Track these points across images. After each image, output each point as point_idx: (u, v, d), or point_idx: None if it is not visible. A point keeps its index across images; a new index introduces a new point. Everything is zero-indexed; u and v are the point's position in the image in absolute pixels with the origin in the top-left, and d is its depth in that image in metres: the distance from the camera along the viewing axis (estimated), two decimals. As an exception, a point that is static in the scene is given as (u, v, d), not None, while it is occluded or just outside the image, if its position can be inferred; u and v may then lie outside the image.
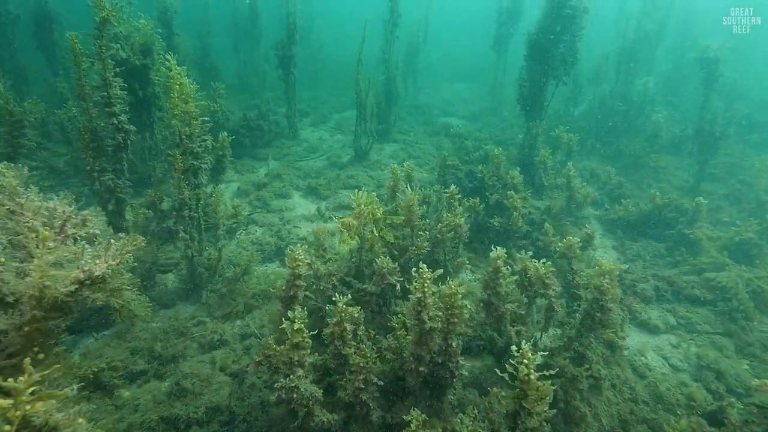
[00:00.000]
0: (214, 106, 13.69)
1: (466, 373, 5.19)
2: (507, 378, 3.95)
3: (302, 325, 4.54)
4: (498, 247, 5.41)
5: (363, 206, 6.09)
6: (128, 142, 6.59)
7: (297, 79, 15.82)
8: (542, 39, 11.78)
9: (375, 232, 6.22)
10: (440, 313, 4.82)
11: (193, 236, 7.34)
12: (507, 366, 3.96)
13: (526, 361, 3.80)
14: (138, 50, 9.79)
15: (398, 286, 6.43)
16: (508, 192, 8.82)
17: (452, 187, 7.48)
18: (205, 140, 6.95)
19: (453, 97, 23.50)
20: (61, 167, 10.80)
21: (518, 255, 5.92)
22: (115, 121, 6.34)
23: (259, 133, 14.83)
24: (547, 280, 5.62)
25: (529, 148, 11.93)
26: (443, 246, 7.26)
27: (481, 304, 5.86)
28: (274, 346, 4.65)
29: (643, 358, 7.01)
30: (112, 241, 3.25)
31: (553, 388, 3.96)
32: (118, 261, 3.13)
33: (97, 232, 3.35)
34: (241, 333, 6.89)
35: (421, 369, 4.98)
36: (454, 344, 4.88)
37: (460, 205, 7.57)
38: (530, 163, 11.84)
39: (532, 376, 3.81)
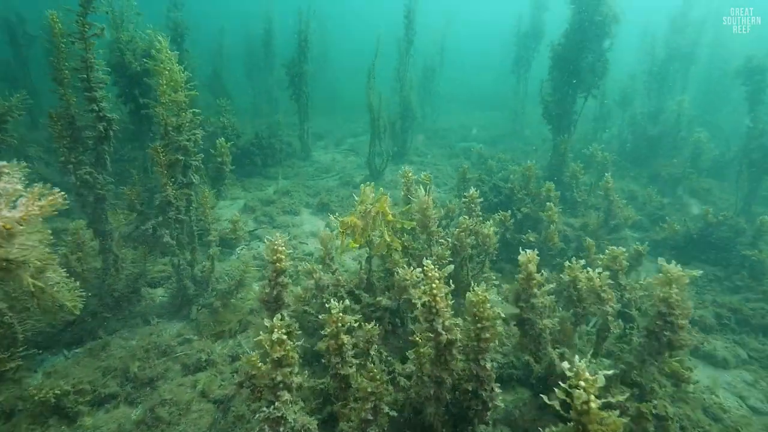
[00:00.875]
0: (225, 122, 13.24)
1: (502, 405, 4.10)
2: (557, 407, 2.86)
3: (285, 336, 3.57)
4: (527, 250, 4.42)
5: (369, 203, 5.18)
6: (110, 132, 5.90)
7: (310, 99, 15.39)
8: (569, 49, 11.09)
9: (386, 236, 5.27)
10: (468, 326, 3.82)
11: (182, 243, 6.51)
12: (556, 392, 2.89)
13: (583, 383, 2.71)
14: (140, 55, 9.37)
15: (419, 303, 5.44)
16: (547, 203, 7.84)
17: (471, 190, 6.55)
18: (195, 134, 6.24)
19: (471, 122, 22.88)
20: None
21: (567, 263, 4.91)
22: (96, 108, 5.67)
23: (270, 152, 14.27)
24: (603, 294, 4.56)
25: (557, 164, 11.00)
26: (464, 258, 6.25)
27: (512, 324, 4.81)
28: (260, 364, 3.68)
29: (714, 396, 5.76)
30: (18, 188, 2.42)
31: (625, 421, 2.86)
32: (23, 214, 2.30)
33: (17, 186, 2.54)
34: (231, 353, 5.90)
35: (442, 396, 3.92)
36: (487, 366, 3.83)
37: (481, 210, 6.61)
38: (559, 179, 10.88)
39: (592, 404, 2.72)
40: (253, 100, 21.20)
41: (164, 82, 5.80)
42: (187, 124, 6.16)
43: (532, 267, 4.26)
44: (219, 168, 9.16)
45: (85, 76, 5.65)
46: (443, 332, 3.72)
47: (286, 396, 3.52)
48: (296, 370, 3.68)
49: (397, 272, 5.35)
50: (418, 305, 3.81)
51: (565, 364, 2.74)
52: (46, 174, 11.63)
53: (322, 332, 4.01)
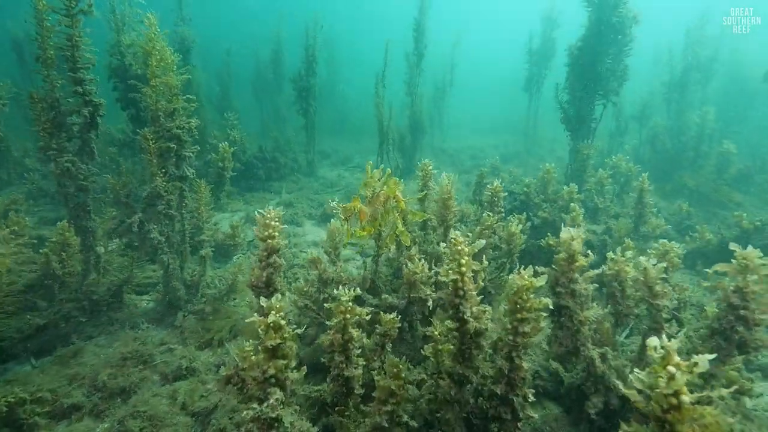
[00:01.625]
0: (231, 136, 12.90)
1: (536, 416, 3.34)
2: (637, 397, 2.11)
3: (281, 320, 2.90)
4: (571, 228, 3.73)
5: (377, 185, 4.53)
6: (97, 118, 5.42)
7: (317, 115, 15.09)
8: (586, 52, 10.65)
9: (398, 224, 4.62)
10: (504, 317, 3.12)
11: (172, 241, 5.91)
12: (632, 379, 2.16)
13: (674, 368, 1.98)
14: (141, 60, 9.07)
15: (430, 302, 4.73)
16: (571, 204, 7.15)
17: (496, 182, 5.92)
18: (189, 122, 5.75)
19: (483, 144, 22.44)
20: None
21: (610, 255, 4.21)
22: (81, 90, 5.21)
23: (274, 165, 13.83)
24: (657, 287, 3.83)
25: (578, 170, 10.35)
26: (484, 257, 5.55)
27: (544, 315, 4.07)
28: (252, 355, 2.99)
29: (781, 415, 4.87)
30: None
31: (731, 421, 2.11)
32: None
33: None
34: (218, 361, 5.18)
35: (463, 399, 3.18)
36: (525, 366, 3.10)
37: (503, 202, 5.96)
38: (579, 187, 10.20)
39: (685, 398, 1.99)
40: (261, 121, 21.02)
41: (154, 62, 5.36)
42: (180, 111, 5.69)
43: (577, 246, 3.56)
44: (220, 174, 8.69)
45: (71, 54, 5.22)
46: (471, 319, 3.03)
47: (278, 395, 2.81)
48: (293, 364, 2.99)
49: (407, 265, 4.68)
50: (445, 284, 3.12)
51: (652, 341, 2.02)
52: (43, 185, 11.27)
53: (328, 323, 3.35)
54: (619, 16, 10.15)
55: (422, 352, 3.48)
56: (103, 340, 5.61)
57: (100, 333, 5.72)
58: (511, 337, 3.11)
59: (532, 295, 3.02)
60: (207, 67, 16.14)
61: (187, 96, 5.79)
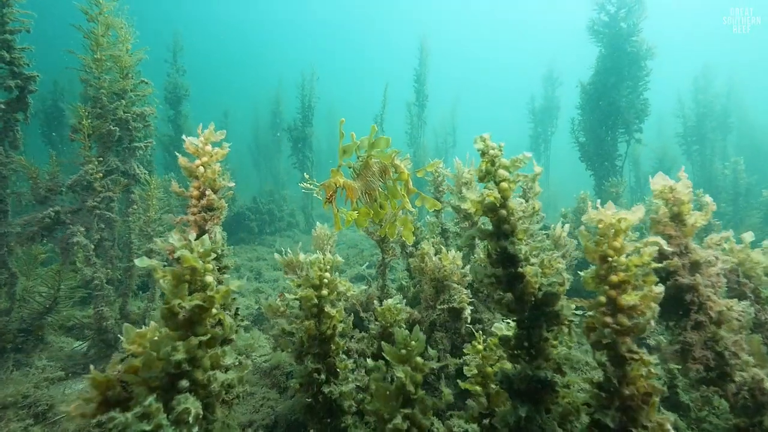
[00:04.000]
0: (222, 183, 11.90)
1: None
2: None
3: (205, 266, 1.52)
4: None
5: (364, 148, 3.25)
6: (27, 97, 4.36)
7: (315, 169, 14.32)
8: (600, 87, 9.96)
9: (405, 203, 3.29)
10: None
11: (109, 254, 4.54)
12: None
13: None
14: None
15: (466, 313, 3.28)
16: None
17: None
18: (144, 110, 4.69)
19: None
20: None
21: (713, 240, 2.85)
22: (7, 57, 4.20)
23: (268, 218, 12.67)
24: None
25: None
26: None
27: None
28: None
29: None
30: None
31: None
32: None
33: None
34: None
35: None
36: (643, 369, 1.62)
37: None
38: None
39: None
40: (258, 183, 20.33)
41: (100, 30, 4.40)
42: (131, 94, 4.65)
43: (684, 195, 2.23)
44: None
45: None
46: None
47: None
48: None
49: (428, 257, 3.29)
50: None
51: None
52: None
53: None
54: (634, 46, 9.60)
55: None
56: (-5, 389, 4.01)
57: (-4, 379, 4.13)
58: (609, 319, 1.68)
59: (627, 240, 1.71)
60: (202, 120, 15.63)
61: (142, 80, 4.78)
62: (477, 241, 4.22)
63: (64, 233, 4.02)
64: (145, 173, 4.80)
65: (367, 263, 8.74)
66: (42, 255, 5.03)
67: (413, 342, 1.91)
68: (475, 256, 4.07)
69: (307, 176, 3.24)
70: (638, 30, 9.61)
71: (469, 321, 3.42)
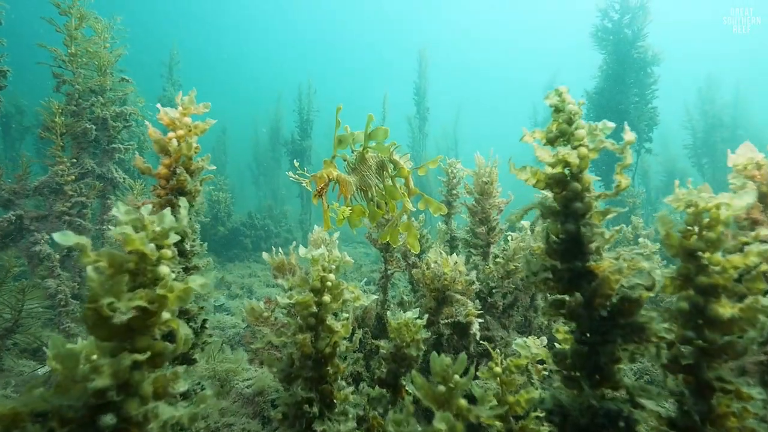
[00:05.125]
0: (217, 195, 11.55)
1: None
2: None
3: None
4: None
5: (359, 139, 2.82)
6: (-4, 92, 3.99)
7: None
8: (606, 94, 9.66)
9: (407, 203, 2.86)
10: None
11: (75, 258, 4.08)
12: None
13: None
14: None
15: (474, 328, 2.83)
16: (640, 240, 5.45)
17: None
18: (125, 109, 4.31)
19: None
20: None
21: None
22: (-26, 48, 3.84)
23: (264, 234, 12.21)
24: None
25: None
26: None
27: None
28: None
29: None
30: None
31: None
32: None
33: None
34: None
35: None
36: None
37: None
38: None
39: None
40: (257, 200, 19.96)
41: (73, 24, 4.06)
42: (110, 93, 4.28)
43: None
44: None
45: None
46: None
47: None
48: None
49: (426, 264, 2.85)
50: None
51: None
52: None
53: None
54: (640, 52, 9.34)
55: None
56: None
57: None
58: (692, 334, 1.25)
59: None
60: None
61: (123, 78, 4.41)
62: (491, 249, 3.79)
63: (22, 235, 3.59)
64: (125, 178, 4.40)
65: (366, 279, 8.26)
66: (15, 268, 4.58)
67: (455, 375, 1.29)
68: (489, 264, 3.64)
69: (296, 163, 2.82)
70: (643, 35, 9.35)
71: (478, 338, 2.97)
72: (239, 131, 24.05)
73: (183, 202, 1.26)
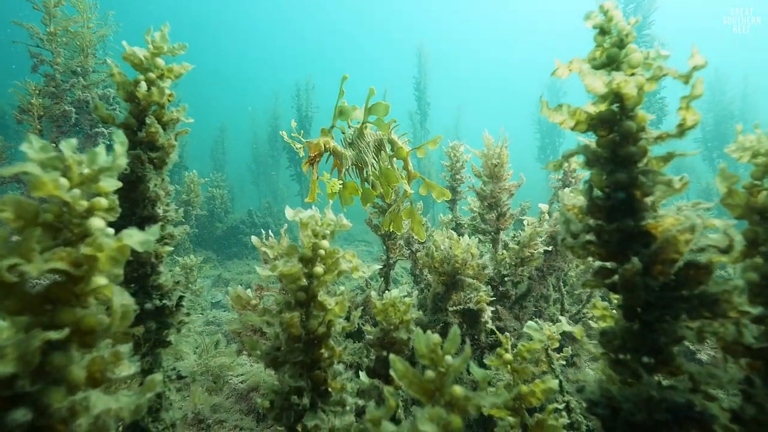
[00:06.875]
0: (214, 192, 11.33)
1: None
2: None
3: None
4: None
5: (358, 115, 2.56)
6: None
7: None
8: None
9: (406, 186, 2.62)
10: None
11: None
12: None
13: None
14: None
15: (486, 315, 2.57)
16: None
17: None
18: (107, 91, 4.07)
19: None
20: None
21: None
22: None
23: (263, 232, 11.92)
24: None
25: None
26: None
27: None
28: None
29: None
30: None
31: None
32: None
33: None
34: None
35: None
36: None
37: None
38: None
39: None
40: (258, 200, 19.75)
41: (52, 1, 3.81)
42: (95, 79, 4.04)
43: None
44: (185, 210, 6.90)
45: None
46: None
47: None
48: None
49: (435, 245, 2.59)
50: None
51: None
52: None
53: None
54: (646, 40, 9.09)
55: None
56: None
57: None
58: (762, 311, 0.98)
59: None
60: (200, 142, 15.23)
61: (106, 59, 4.16)
62: (501, 235, 3.52)
63: None
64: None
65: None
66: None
67: (447, 356, 0.88)
68: (500, 250, 3.37)
69: (294, 123, 2.59)
70: (649, 23, 9.10)
71: (489, 325, 2.71)
72: (239, 131, 23.85)
73: (119, 136, 0.99)
